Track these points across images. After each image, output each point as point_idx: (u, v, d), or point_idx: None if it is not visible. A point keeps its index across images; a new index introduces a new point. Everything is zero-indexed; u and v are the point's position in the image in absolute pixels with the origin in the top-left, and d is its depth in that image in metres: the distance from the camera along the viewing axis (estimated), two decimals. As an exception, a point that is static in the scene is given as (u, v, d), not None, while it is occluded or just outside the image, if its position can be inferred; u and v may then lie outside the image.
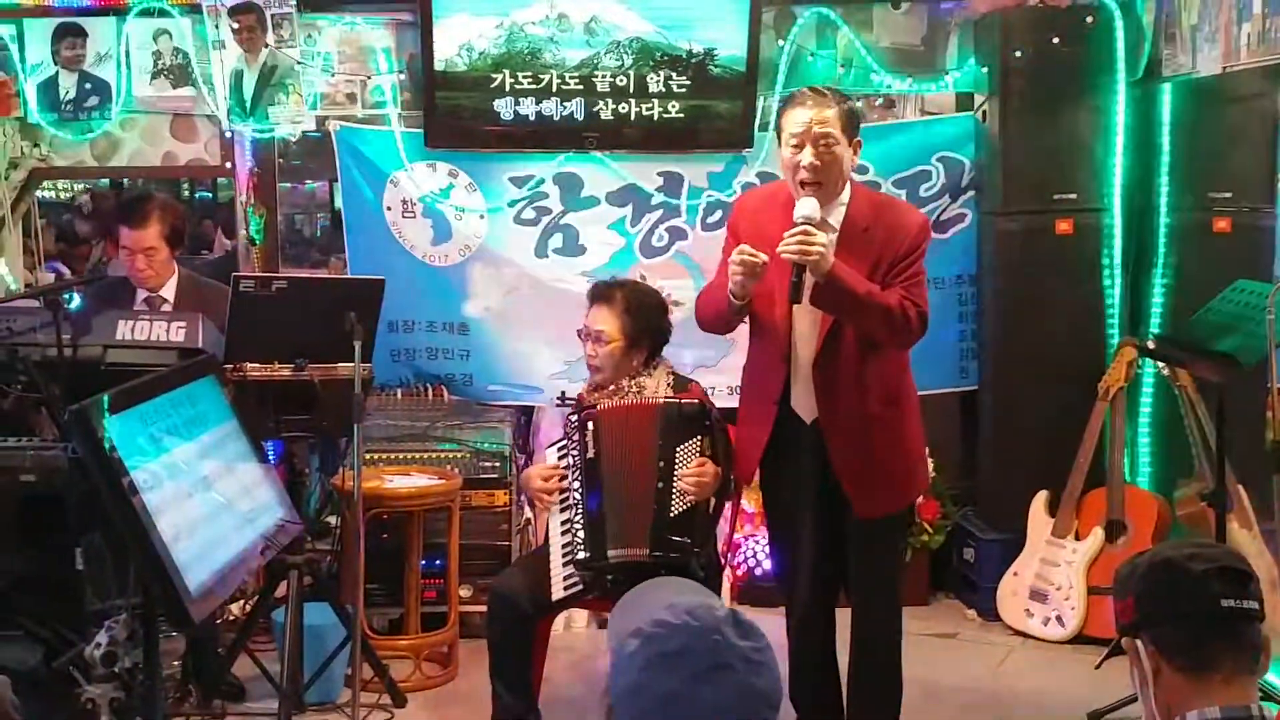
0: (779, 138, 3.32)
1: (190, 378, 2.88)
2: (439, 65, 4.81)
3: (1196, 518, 4.41)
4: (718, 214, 4.92)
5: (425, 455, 4.60)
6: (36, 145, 4.98)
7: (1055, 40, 4.73)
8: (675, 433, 3.50)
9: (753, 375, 3.49)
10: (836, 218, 3.29)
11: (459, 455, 4.61)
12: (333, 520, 4.53)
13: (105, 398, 2.45)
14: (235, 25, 4.81)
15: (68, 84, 4.87)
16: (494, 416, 4.88)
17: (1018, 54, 4.76)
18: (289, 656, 3.74)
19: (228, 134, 4.96)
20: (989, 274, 4.99)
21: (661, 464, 3.47)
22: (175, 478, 2.59)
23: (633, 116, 4.89)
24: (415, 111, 4.94)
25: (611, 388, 3.70)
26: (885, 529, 3.41)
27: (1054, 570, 4.64)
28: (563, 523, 3.59)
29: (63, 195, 10.02)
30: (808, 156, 3.21)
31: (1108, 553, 4.54)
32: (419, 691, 4.18)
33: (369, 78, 4.94)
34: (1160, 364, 4.61)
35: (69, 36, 4.85)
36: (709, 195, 5.01)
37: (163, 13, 4.84)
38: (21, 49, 4.85)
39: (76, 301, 4.47)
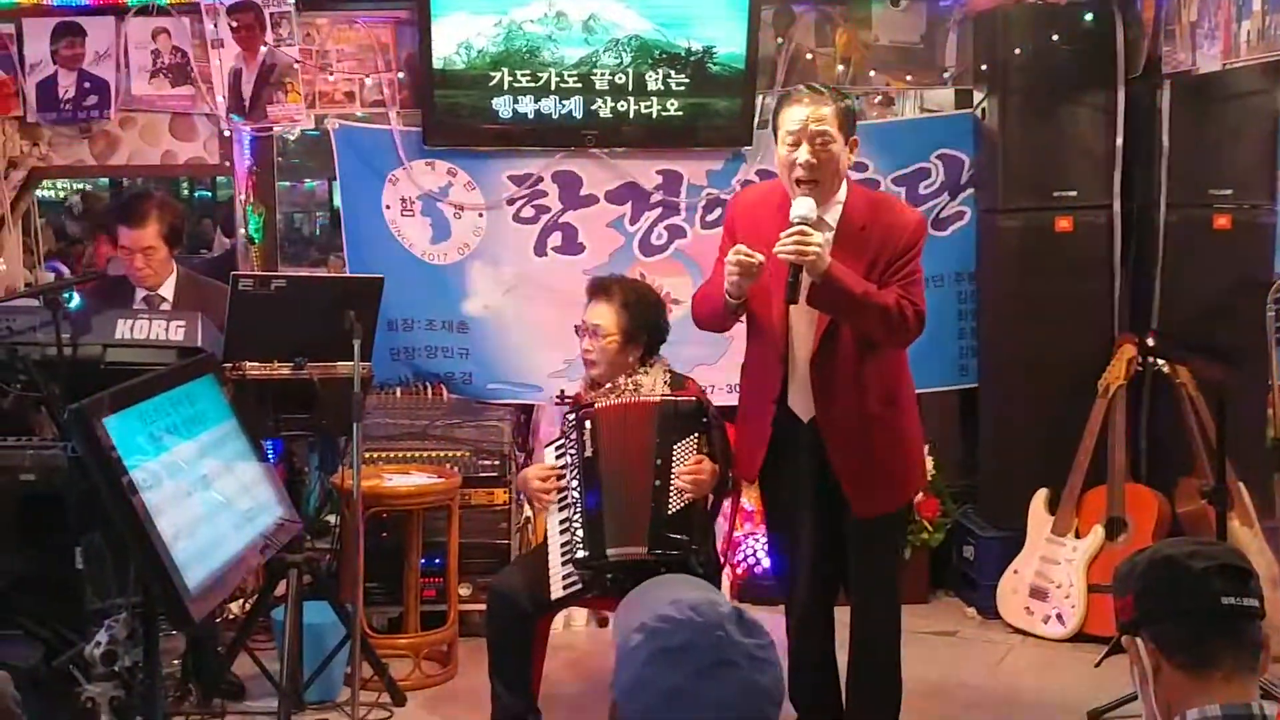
0: (775, 135, 3.31)
1: (189, 377, 2.88)
2: (437, 63, 4.80)
3: (1197, 515, 4.41)
4: (717, 212, 4.92)
5: (425, 454, 4.60)
6: (36, 144, 4.97)
7: (1055, 37, 4.72)
8: (672, 431, 3.50)
9: (750, 374, 3.49)
10: (833, 216, 3.29)
11: (458, 454, 4.61)
12: (332, 519, 4.53)
13: (105, 397, 2.45)
14: (234, 24, 4.80)
15: (66, 83, 4.87)
16: (493, 415, 4.88)
17: (1017, 51, 4.76)
18: (288, 655, 3.74)
19: (226, 133, 4.95)
20: (989, 272, 4.99)
21: (659, 462, 3.47)
22: (175, 477, 2.59)
23: (631, 114, 4.89)
24: (414, 110, 4.93)
25: (608, 386, 3.70)
26: (884, 528, 3.41)
27: (1054, 568, 4.63)
28: (561, 521, 3.59)
29: (62, 194, 10.03)
30: (804, 155, 3.20)
31: (1108, 550, 4.54)
32: (418, 690, 4.18)
33: (367, 76, 4.94)
34: (1160, 361, 4.61)
35: (67, 36, 4.84)
36: (708, 193, 5.01)
37: (161, 11, 4.84)
38: (20, 48, 4.85)
39: (76, 300, 4.47)
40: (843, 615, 3.54)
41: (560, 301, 4.73)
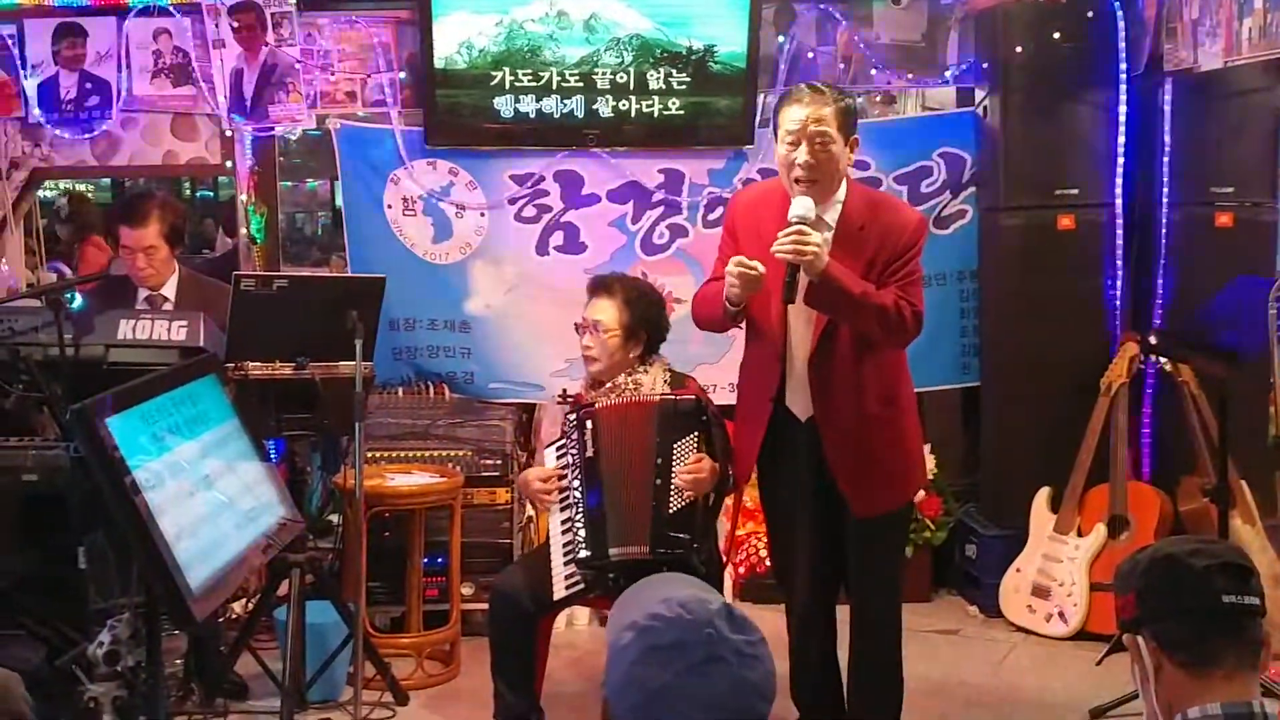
0: (775, 134, 3.31)
1: (192, 376, 2.88)
2: (439, 63, 4.81)
3: (1199, 513, 4.41)
4: (718, 211, 4.92)
5: (427, 453, 4.60)
6: (37, 145, 4.98)
7: (1056, 35, 4.72)
8: (671, 430, 3.50)
9: (748, 373, 3.48)
10: (832, 216, 3.28)
11: (460, 453, 4.61)
12: (334, 518, 4.53)
13: (107, 397, 2.45)
14: (235, 24, 4.81)
15: (68, 84, 4.87)
16: (495, 414, 4.88)
17: (1019, 49, 4.75)
18: (291, 655, 3.74)
19: (228, 133, 4.96)
20: (990, 270, 4.99)
21: (659, 461, 3.46)
22: (177, 476, 2.59)
23: (633, 113, 4.89)
24: (415, 109, 4.94)
25: (609, 385, 3.70)
26: (883, 527, 3.39)
27: (1056, 566, 4.63)
28: (563, 522, 3.59)
29: (64, 195, 10.02)
30: (803, 155, 3.19)
31: (1110, 549, 4.54)
32: (421, 689, 4.18)
33: (369, 76, 4.94)
34: (1162, 359, 4.60)
35: (69, 36, 4.85)
36: (710, 192, 5.01)
37: (162, 12, 4.84)
38: (21, 49, 4.85)
39: (78, 301, 4.48)
40: (844, 614, 3.54)
41: (562, 301, 4.73)
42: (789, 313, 3.26)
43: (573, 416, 3.61)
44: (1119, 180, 4.77)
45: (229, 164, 5.03)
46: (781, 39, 4.98)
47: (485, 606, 3.90)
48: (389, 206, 4.99)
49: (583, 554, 3.47)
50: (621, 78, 4.86)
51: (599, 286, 3.79)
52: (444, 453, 4.62)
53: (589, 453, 3.54)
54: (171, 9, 4.84)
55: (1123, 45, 4.71)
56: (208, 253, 8.44)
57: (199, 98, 4.90)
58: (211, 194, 10.39)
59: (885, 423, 3.33)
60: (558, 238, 5.03)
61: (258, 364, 3.78)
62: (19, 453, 3.24)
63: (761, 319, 3.34)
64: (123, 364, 3.41)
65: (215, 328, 3.77)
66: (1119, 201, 4.78)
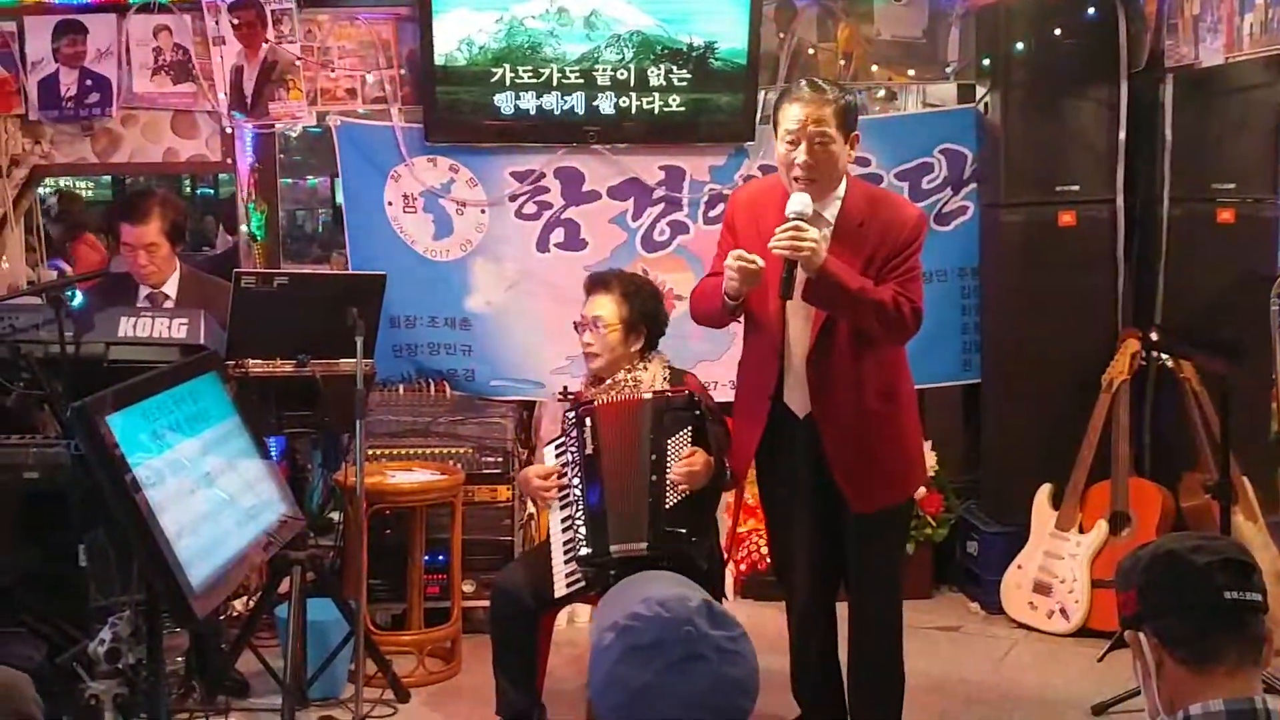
0: (775, 130, 3.30)
1: (192, 374, 2.88)
2: (439, 60, 4.80)
3: (1201, 510, 4.41)
4: (719, 208, 4.92)
5: (427, 450, 4.60)
6: (38, 142, 4.97)
7: (1057, 32, 4.72)
8: (665, 425, 3.49)
9: (747, 369, 3.48)
10: (832, 212, 3.27)
11: (461, 450, 4.61)
12: (335, 516, 4.53)
13: (108, 394, 2.45)
14: (235, 21, 4.81)
15: (68, 81, 4.87)
16: (496, 411, 4.88)
17: (1019, 46, 4.75)
18: (292, 652, 3.74)
19: (228, 130, 4.95)
20: (991, 266, 4.99)
21: (654, 457, 3.47)
22: (178, 474, 2.59)
23: (634, 110, 4.89)
24: (415, 106, 4.93)
25: (608, 382, 3.70)
26: (883, 524, 3.38)
27: (1058, 563, 4.63)
28: (563, 520, 3.59)
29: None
30: (802, 155, 3.18)
31: (1112, 545, 4.54)
32: (422, 687, 4.18)
33: (369, 73, 4.94)
34: (1164, 356, 4.60)
35: (69, 33, 4.85)
36: (710, 189, 5.01)
37: (163, 9, 4.84)
38: (22, 46, 4.85)
39: (79, 298, 4.47)
40: (845, 611, 3.53)
41: (563, 298, 4.73)
42: (787, 309, 3.25)
43: (571, 414, 3.62)
44: (1120, 176, 4.77)
45: (229, 161, 5.03)
46: (782, 35, 4.97)
47: (486, 604, 3.90)
48: (389, 203, 4.99)
49: (584, 551, 3.47)
50: (622, 74, 4.86)
51: (596, 283, 3.79)
52: (445, 450, 4.61)
53: (588, 450, 3.53)
54: (172, 6, 4.83)
55: (1124, 41, 4.71)
56: (208, 250, 8.44)
57: (199, 95, 4.90)
58: (212, 191, 10.38)
59: (884, 419, 3.32)
60: (558, 235, 5.03)
61: (258, 361, 3.78)
62: (20, 450, 3.23)
63: (760, 315, 3.34)
64: (123, 361, 3.41)
65: (216, 325, 3.78)
66: (1120, 198, 4.78)
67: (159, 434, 2.58)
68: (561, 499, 3.61)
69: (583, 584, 3.51)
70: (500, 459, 4.62)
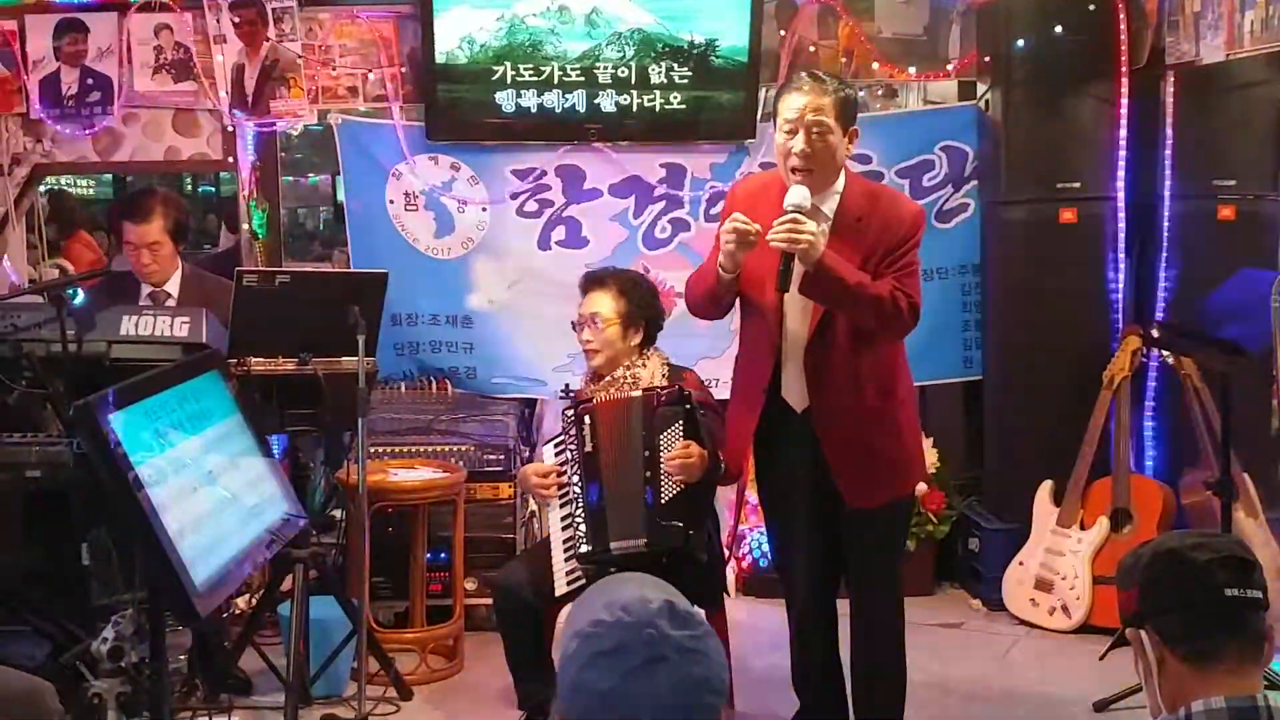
0: (775, 122, 3.29)
1: (195, 372, 2.89)
2: (440, 58, 4.80)
3: (1202, 507, 4.41)
4: (720, 205, 4.90)
5: (429, 448, 4.60)
6: (39, 141, 4.98)
7: (1058, 28, 4.71)
8: (657, 419, 3.49)
9: (743, 363, 3.47)
10: (830, 207, 3.26)
11: (463, 448, 4.62)
12: (338, 514, 4.54)
13: (110, 393, 2.46)
14: (236, 19, 4.81)
15: (69, 79, 4.87)
16: (498, 409, 4.88)
17: (1020, 43, 4.75)
18: (295, 650, 3.74)
19: (230, 128, 4.95)
20: (992, 264, 4.98)
21: (647, 453, 3.47)
22: (180, 472, 2.60)
23: (635, 108, 4.89)
24: (416, 104, 4.94)
25: (607, 379, 3.71)
26: (882, 520, 3.37)
27: (1059, 560, 4.63)
28: (563, 518, 3.59)
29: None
30: (799, 143, 3.17)
31: (1113, 542, 4.54)
32: (425, 684, 4.18)
33: (370, 71, 4.94)
34: (1165, 352, 4.60)
35: (70, 32, 4.85)
36: (712, 186, 5.01)
37: (164, 7, 4.84)
38: (23, 45, 4.85)
39: (81, 297, 4.47)
40: (846, 608, 3.53)
41: (564, 295, 4.71)
42: (785, 303, 3.24)
43: (570, 412, 3.62)
44: (1121, 173, 4.76)
45: (231, 159, 5.03)
46: (783, 33, 4.97)
47: (489, 601, 3.91)
48: (391, 202, 4.99)
49: (584, 548, 3.47)
50: (623, 72, 4.86)
51: (592, 281, 3.80)
52: (447, 448, 4.62)
53: (587, 448, 3.54)
54: (173, 4, 4.83)
55: (1124, 38, 4.70)
56: (210, 248, 8.44)
57: (200, 93, 4.90)
58: (213, 189, 10.38)
59: (883, 415, 3.31)
60: (559, 232, 5.03)
61: (260, 359, 3.78)
62: (22, 449, 3.24)
63: (757, 308, 3.33)
64: (125, 360, 3.42)
65: (218, 323, 3.78)
66: (1121, 195, 4.77)
67: (161, 432, 2.58)
68: (561, 497, 3.62)
69: (583, 581, 3.51)
70: (502, 457, 4.62)
